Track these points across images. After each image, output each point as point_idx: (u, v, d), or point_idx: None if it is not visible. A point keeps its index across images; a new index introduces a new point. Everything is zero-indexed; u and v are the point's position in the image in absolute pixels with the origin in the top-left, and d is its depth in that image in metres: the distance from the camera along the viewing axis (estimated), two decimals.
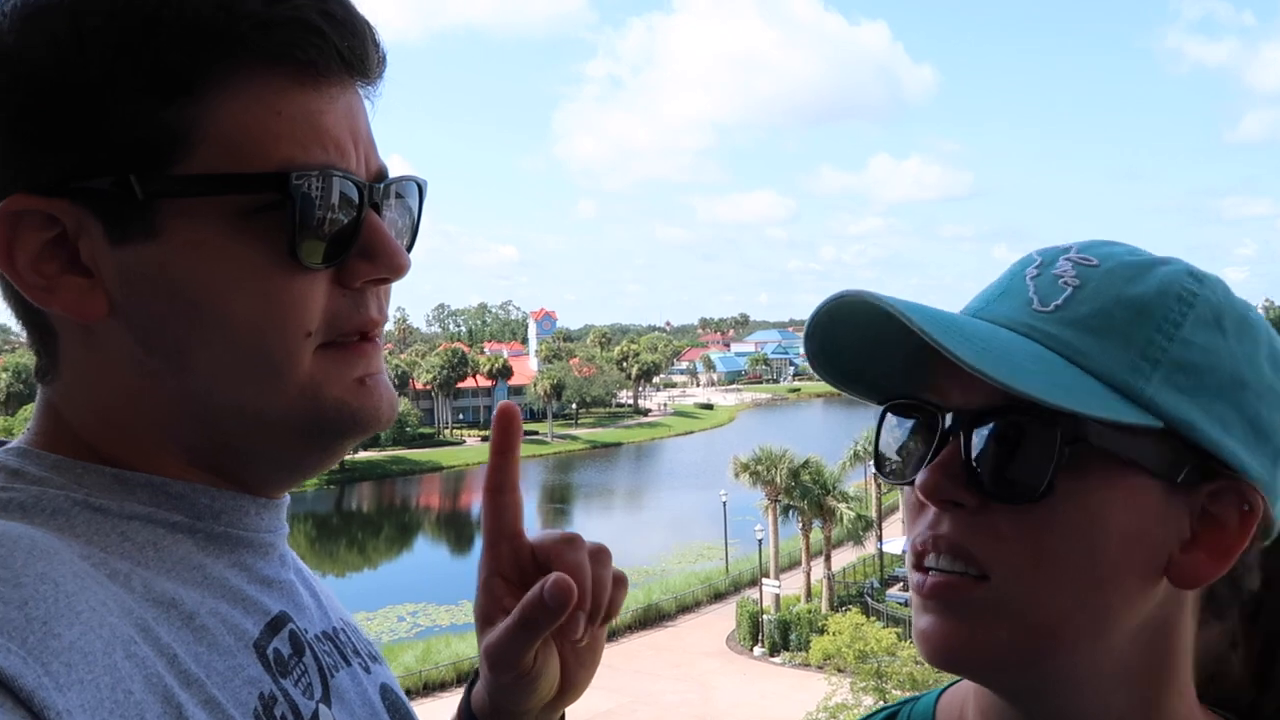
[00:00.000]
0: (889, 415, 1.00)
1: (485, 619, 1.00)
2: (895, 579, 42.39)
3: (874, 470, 1.00)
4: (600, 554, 1.01)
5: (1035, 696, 0.93)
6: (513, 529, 1.02)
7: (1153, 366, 0.87)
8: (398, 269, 0.94)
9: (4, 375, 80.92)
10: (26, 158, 0.86)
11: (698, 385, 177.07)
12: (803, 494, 40.60)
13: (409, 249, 1.02)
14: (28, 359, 0.95)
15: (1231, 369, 0.89)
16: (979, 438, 0.89)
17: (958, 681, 1.06)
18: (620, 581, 1.03)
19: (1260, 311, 0.96)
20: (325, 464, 0.99)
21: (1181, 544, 0.89)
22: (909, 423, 0.97)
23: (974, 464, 0.89)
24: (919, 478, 0.91)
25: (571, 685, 1.05)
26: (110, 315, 0.88)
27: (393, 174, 1.00)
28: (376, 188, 0.94)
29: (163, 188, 0.85)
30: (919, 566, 0.92)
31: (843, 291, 0.90)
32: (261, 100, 0.86)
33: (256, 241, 0.87)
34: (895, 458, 0.99)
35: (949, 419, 0.91)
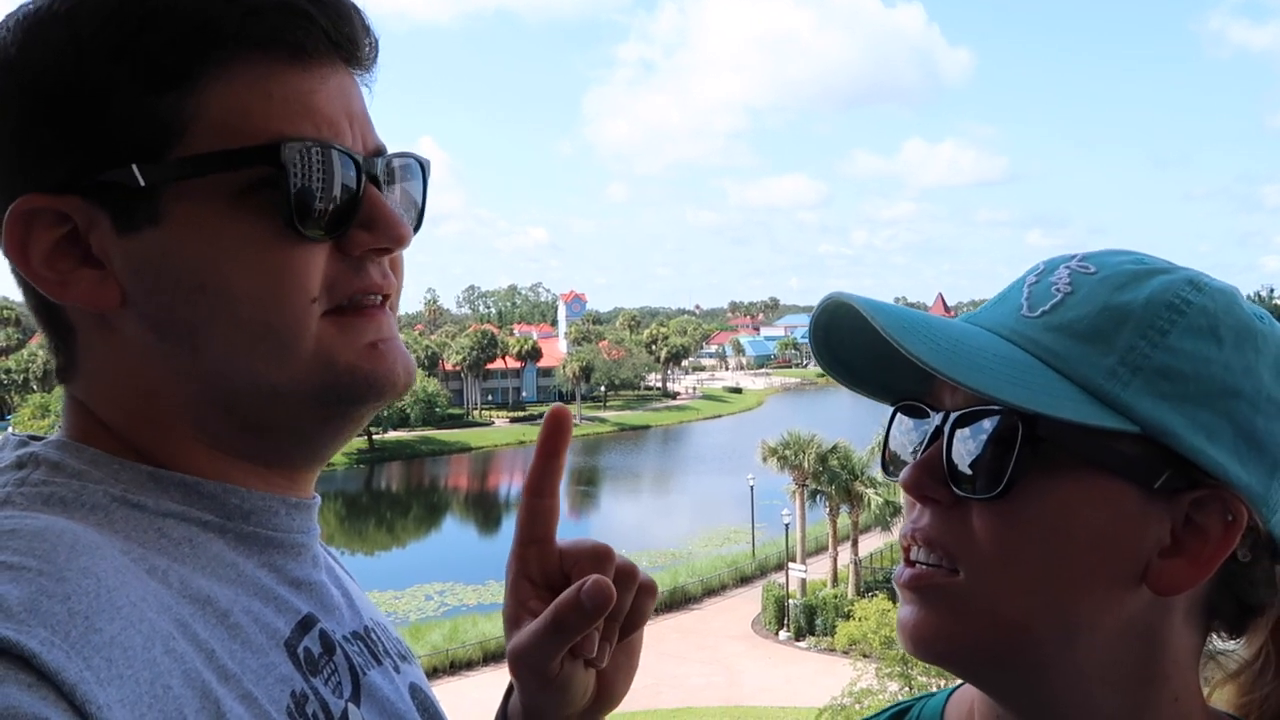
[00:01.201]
0: (898, 416, 1.03)
1: (513, 622, 1.00)
2: None
3: (880, 468, 1.04)
4: (627, 575, 1.00)
5: (1016, 694, 0.95)
6: (545, 533, 1.02)
7: (1133, 373, 0.87)
8: (398, 239, 0.96)
9: (41, 353, 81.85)
10: (34, 160, 0.89)
11: (726, 369, 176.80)
12: (830, 479, 40.44)
13: (416, 228, 1.03)
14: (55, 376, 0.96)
15: (1223, 378, 0.88)
16: (958, 436, 0.92)
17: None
18: (648, 590, 1.02)
19: None
20: (344, 435, 1.00)
21: (1161, 550, 0.89)
22: (915, 422, 1.00)
23: (951, 461, 0.92)
24: (902, 475, 0.95)
25: (609, 694, 1.04)
26: (123, 305, 0.91)
27: (413, 159, 1.03)
28: (373, 161, 0.96)
29: (162, 173, 0.88)
30: (906, 560, 0.96)
31: (827, 296, 0.94)
32: (252, 84, 0.89)
33: (254, 216, 0.89)
34: (899, 457, 1.02)
35: (937, 418, 0.95)
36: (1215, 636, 0.99)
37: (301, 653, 0.92)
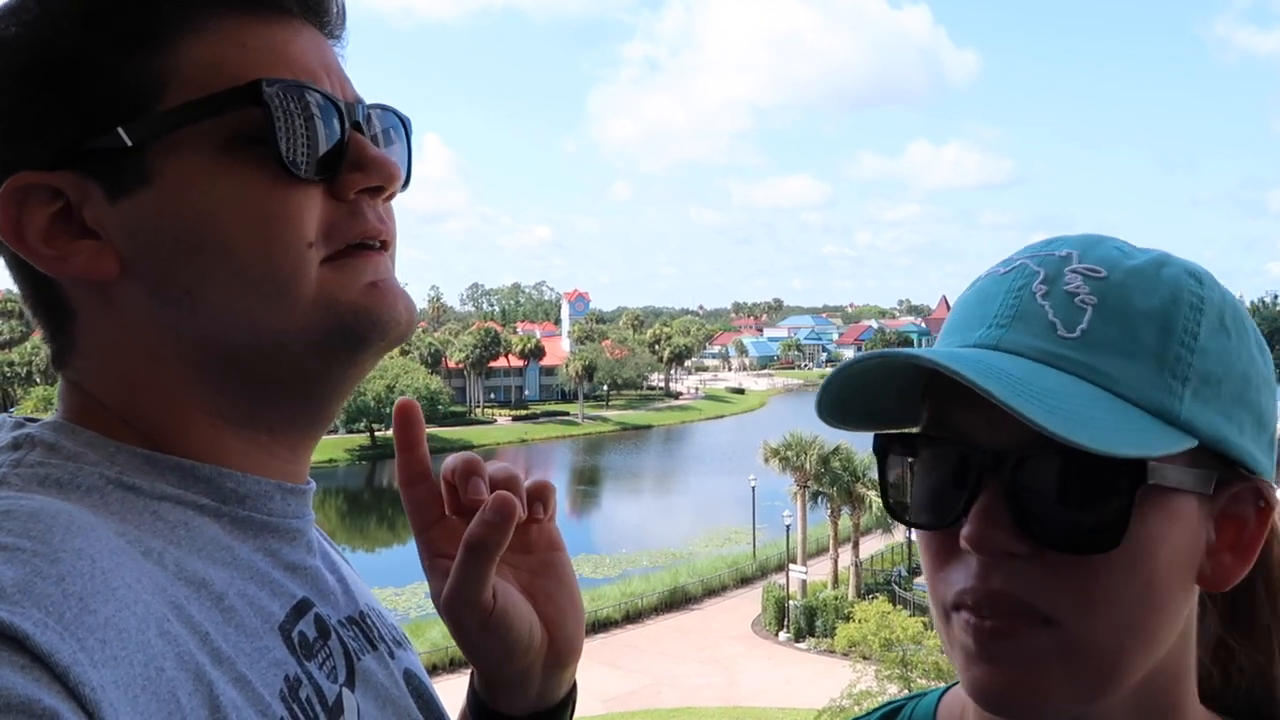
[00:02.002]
0: (892, 450, 0.94)
1: (445, 605, 1.01)
2: None
3: (885, 513, 0.96)
4: (507, 480, 1.02)
5: (1080, 716, 0.90)
6: (436, 514, 1.05)
7: (1182, 384, 0.85)
8: (389, 176, 0.97)
9: (44, 346, 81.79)
10: (22, 139, 0.90)
11: (729, 369, 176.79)
12: (832, 480, 40.46)
13: (406, 183, 1.04)
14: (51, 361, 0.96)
15: (1239, 369, 0.88)
16: (1029, 481, 0.84)
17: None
18: (541, 491, 1.05)
19: None
20: (346, 386, 1.00)
21: (1208, 548, 0.88)
22: (923, 458, 0.92)
23: (1026, 510, 0.84)
24: (966, 530, 0.85)
25: (559, 632, 1.05)
26: (122, 274, 0.91)
27: (393, 113, 1.04)
28: (354, 107, 0.97)
29: (147, 128, 0.88)
30: (966, 609, 0.87)
31: (882, 353, 0.85)
32: (226, 36, 0.91)
33: (244, 164, 0.90)
34: (912, 499, 0.92)
35: (986, 458, 0.85)
36: None
37: (296, 637, 0.92)
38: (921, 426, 0.94)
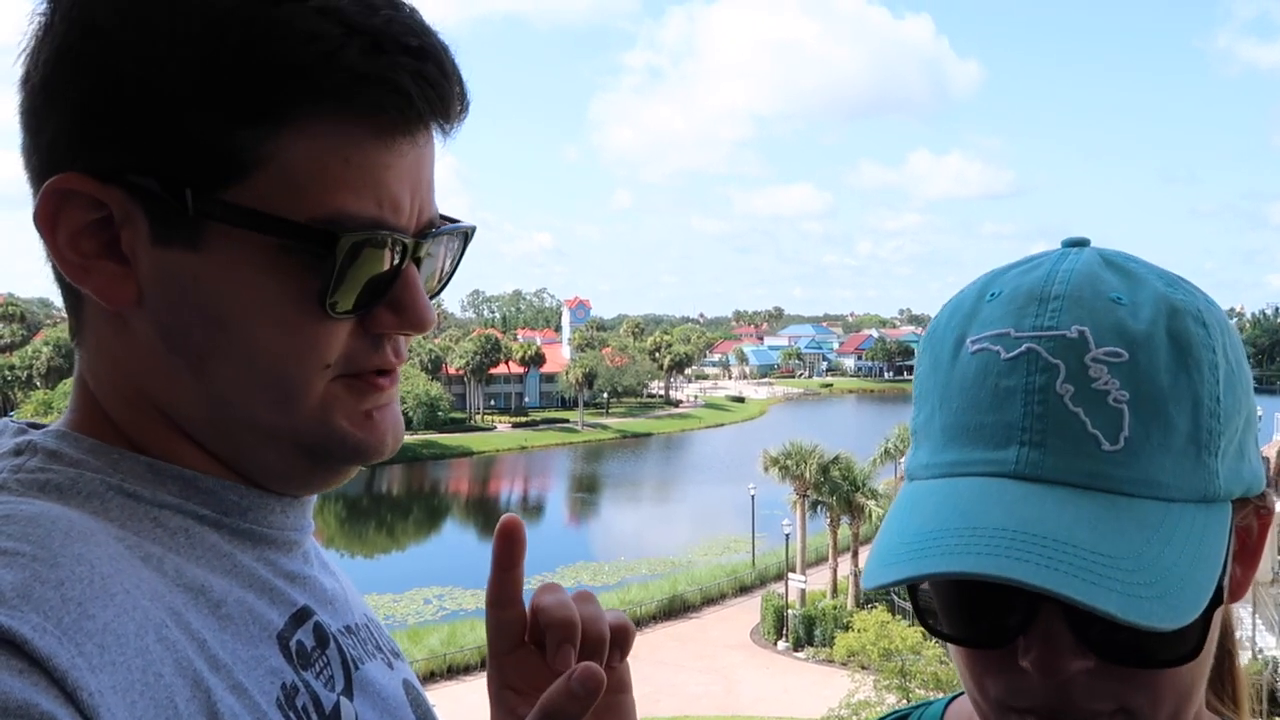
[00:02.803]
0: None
1: None
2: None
3: (921, 625, 0.92)
4: (597, 641, 0.98)
5: None
6: (515, 642, 0.99)
7: (1218, 460, 0.83)
8: (421, 325, 0.94)
9: (45, 349, 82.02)
10: (90, 138, 0.86)
11: (730, 378, 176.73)
12: (832, 490, 40.43)
13: (442, 287, 1.03)
14: (67, 333, 0.96)
15: (1246, 406, 0.87)
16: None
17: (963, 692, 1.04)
18: (625, 630, 1.02)
19: None
20: (330, 484, 0.99)
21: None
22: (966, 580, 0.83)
23: (1092, 634, 0.81)
24: (1033, 656, 0.81)
25: None
26: (138, 305, 0.89)
27: (460, 228, 1.01)
28: (422, 242, 0.94)
29: (214, 210, 0.85)
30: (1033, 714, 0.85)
31: (938, 571, 0.78)
32: (332, 147, 0.86)
33: (291, 280, 0.87)
34: (957, 614, 0.87)
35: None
36: None
37: (294, 646, 0.92)
38: None
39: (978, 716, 0.95)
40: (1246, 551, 0.90)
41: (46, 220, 0.87)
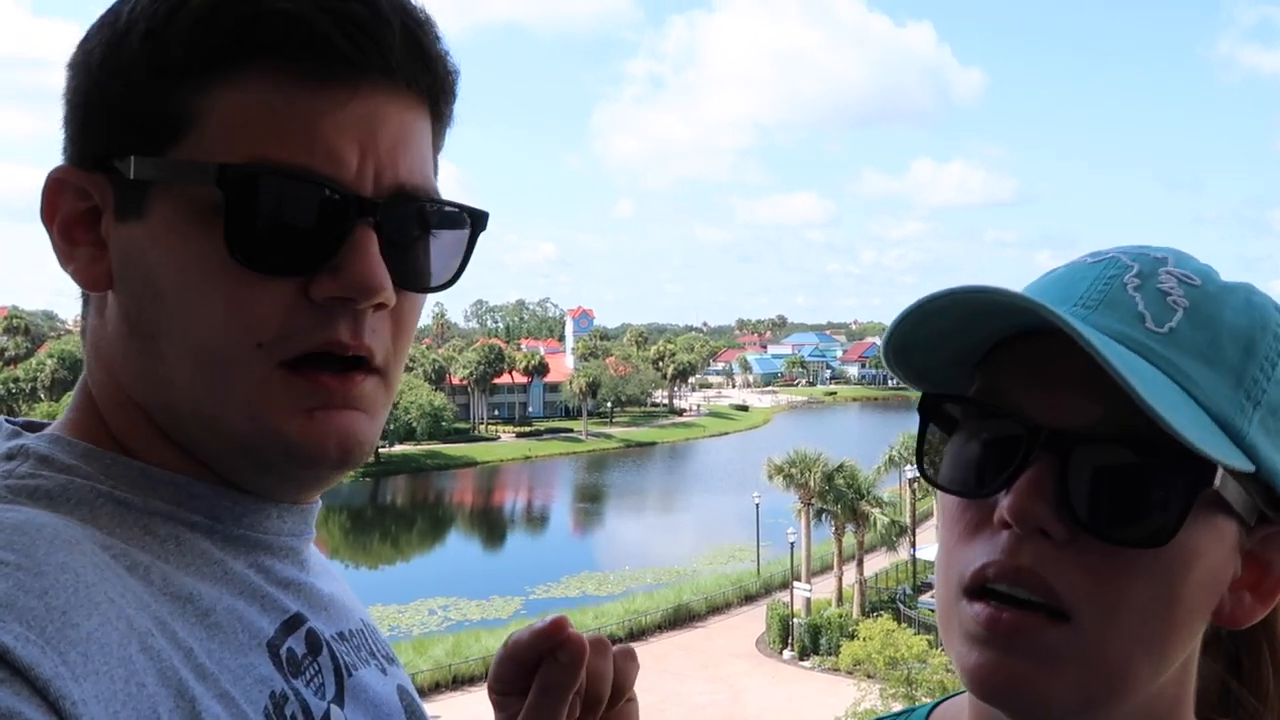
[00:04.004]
0: (938, 411, 0.92)
1: None
2: (928, 585, 41.98)
3: (916, 471, 0.93)
4: (598, 643, 0.97)
5: None
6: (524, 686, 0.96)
7: (1255, 407, 0.83)
8: (364, 290, 0.88)
9: (49, 362, 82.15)
10: (78, 131, 0.93)
11: (733, 386, 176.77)
12: (836, 498, 40.40)
13: (453, 281, 0.99)
14: (74, 346, 0.98)
15: None
16: (1083, 465, 0.82)
17: (952, 696, 1.05)
18: (627, 655, 1.01)
19: None
20: (293, 492, 0.97)
21: (1233, 582, 0.87)
22: (972, 426, 0.89)
23: (1076, 491, 0.82)
24: (1008, 501, 0.82)
25: None
26: (111, 289, 0.92)
27: (460, 209, 0.97)
28: (375, 202, 0.89)
29: (152, 171, 0.88)
30: (977, 594, 0.85)
31: (978, 288, 0.82)
32: (260, 97, 0.86)
33: (214, 236, 0.86)
34: (952, 464, 0.90)
35: (1042, 434, 0.83)
36: None
37: (284, 654, 0.91)
38: (972, 394, 0.91)
39: (963, 716, 0.98)
40: (1264, 588, 0.88)
41: (48, 209, 0.92)
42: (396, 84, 0.90)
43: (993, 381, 0.89)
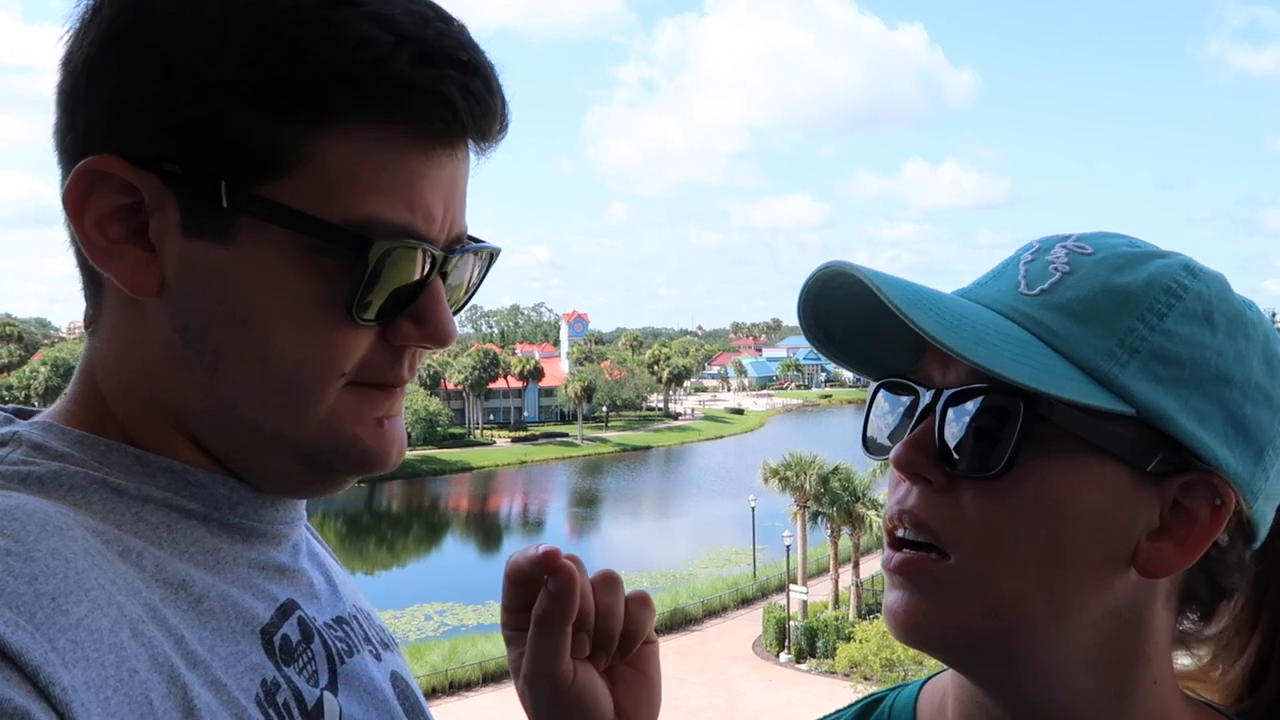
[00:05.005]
0: (881, 392, 1.01)
1: (525, 677, 1.01)
2: None
3: (862, 447, 1.04)
4: (607, 579, 1.01)
5: (1003, 679, 0.94)
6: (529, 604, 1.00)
7: (1130, 354, 0.88)
8: (443, 340, 0.94)
9: (43, 369, 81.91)
10: (130, 122, 0.86)
11: (729, 390, 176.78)
12: (832, 501, 40.41)
13: (461, 307, 1.02)
14: (67, 353, 0.95)
15: (1216, 364, 0.89)
16: (952, 414, 0.91)
17: (942, 671, 1.07)
18: (641, 601, 1.02)
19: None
20: (323, 492, 0.98)
21: (1150, 532, 0.90)
22: (899, 400, 0.99)
23: (944, 440, 0.91)
24: (893, 451, 0.93)
25: (630, 717, 1.03)
26: (158, 295, 0.89)
27: (486, 248, 1.01)
28: (450, 256, 0.94)
29: (249, 204, 0.85)
30: (891, 542, 0.95)
31: (824, 264, 0.92)
32: (371, 151, 0.87)
33: (319, 282, 0.87)
34: (882, 434, 1.00)
35: (928, 396, 0.93)
36: (1183, 620, 0.99)
37: (278, 640, 0.91)
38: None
39: (950, 691, 1.03)
40: (1189, 539, 0.90)
41: (76, 201, 0.86)
42: (477, 148, 0.94)
43: (917, 359, 0.98)
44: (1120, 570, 0.90)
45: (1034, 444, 0.87)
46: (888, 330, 0.93)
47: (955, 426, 0.90)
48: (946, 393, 0.91)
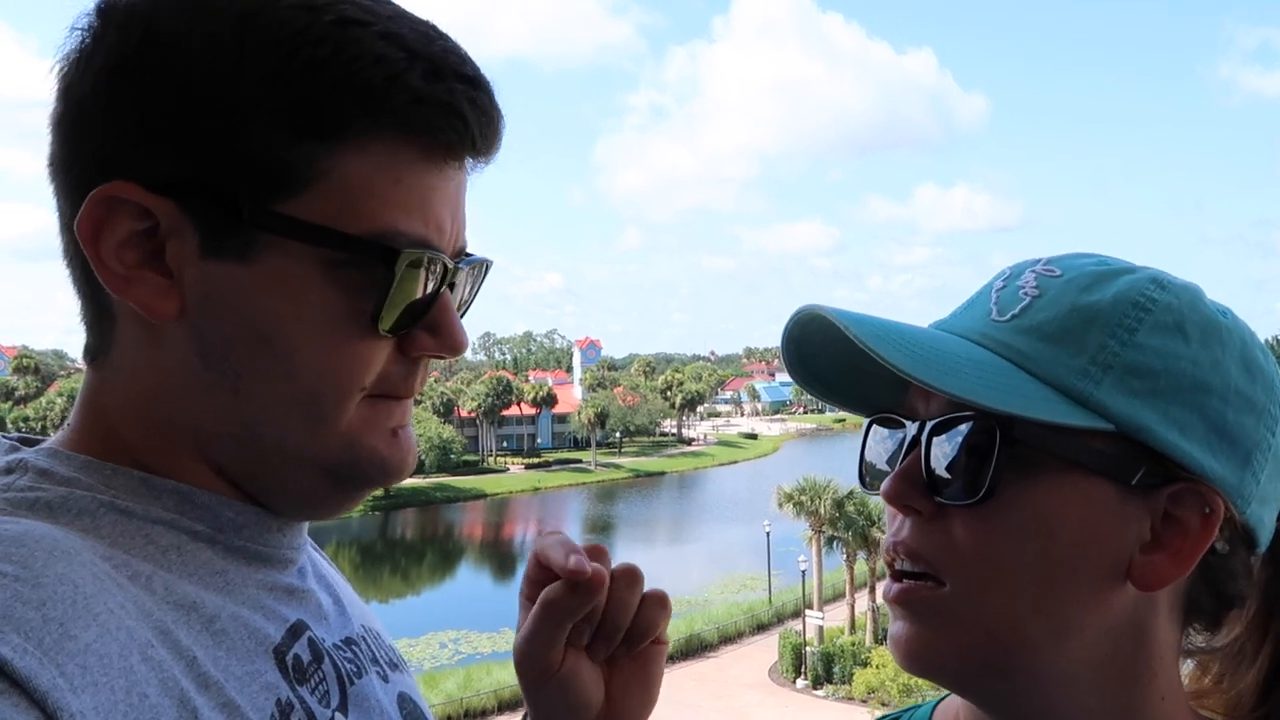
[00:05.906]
0: (873, 428, 1.02)
1: (515, 651, 1.02)
2: None
3: (858, 483, 1.05)
4: (627, 573, 1.01)
5: (1008, 703, 0.94)
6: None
7: (1104, 371, 0.88)
8: (457, 348, 0.96)
9: (59, 401, 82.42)
10: (144, 146, 0.86)
11: (742, 415, 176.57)
12: (847, 525, 40.20)
13: (461, 317, 1.04)
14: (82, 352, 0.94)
15: (1192, 373, 0.89)
16: (936, 445, 0.92)
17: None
18: (656, 600, 1.02)
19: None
20: (341, 509, 0.99)
21: (1142, 545, 0.90)
22: (890, 434, 1.00)
23: (930, 470, 0.92)
24: (883, 485, 0.94)
25: (621, 710, 1.03)
26: (177, 320, 0.89)
27: (483, 262, 1.03)
28: (458, 268, 0.96)
29: (269, 221, 0.86)
30: (891, 574, 0.96)
31: (798, 310, 0.95)
32: (386, 165, 0.88)
33: (341, 295, 0.89)
34: (876, 469, 1.01)
35: (913, 428, 0.95)
36: (1190, 632, 0.98)
37: (290, 660, 0.92)
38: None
39: (963, 711, 1.04)
40: (1182, 550, 0.90)
41: (91, 229, 0.86)
42: (477, 162, 0.97)
43: (900, 392, 0.99)
44: (1116, 586, 0.90)
45: (1016, 467, 0.88)
46: (871, 366, 0.92)
47: (939, 456, 0.91)
48: (929, 424, 0.93)
